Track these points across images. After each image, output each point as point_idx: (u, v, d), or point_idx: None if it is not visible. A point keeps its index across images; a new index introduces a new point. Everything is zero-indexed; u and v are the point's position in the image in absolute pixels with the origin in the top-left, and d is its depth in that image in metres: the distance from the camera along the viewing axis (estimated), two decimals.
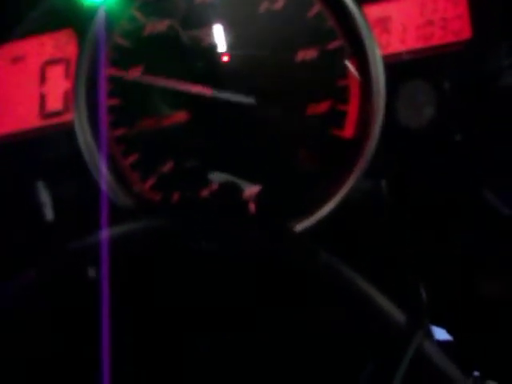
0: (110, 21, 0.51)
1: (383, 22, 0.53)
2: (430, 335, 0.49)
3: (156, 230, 0.40)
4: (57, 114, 0.51)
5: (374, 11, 0.53)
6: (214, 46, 0.52)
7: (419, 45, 0.54)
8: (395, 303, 0.41)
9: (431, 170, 0.58)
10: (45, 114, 0.51)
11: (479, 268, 0.58)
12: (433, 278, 0.59)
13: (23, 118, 0.51)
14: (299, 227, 0.52)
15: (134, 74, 0.51)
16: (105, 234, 0.38)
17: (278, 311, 0.37)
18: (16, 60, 0.51)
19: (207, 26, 0.52)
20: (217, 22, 0.52)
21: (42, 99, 0.51)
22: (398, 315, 0.39)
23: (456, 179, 0.58)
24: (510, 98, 0.56)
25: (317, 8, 0.53)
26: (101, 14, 0.51)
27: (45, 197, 0.51)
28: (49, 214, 0.51)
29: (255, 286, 0.38)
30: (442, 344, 0.55)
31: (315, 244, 0.49)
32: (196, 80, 0.52)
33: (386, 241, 0.57)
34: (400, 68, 0.54)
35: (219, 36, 0.52)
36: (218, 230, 0.41)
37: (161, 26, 0.51)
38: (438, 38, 0.54)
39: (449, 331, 0.59)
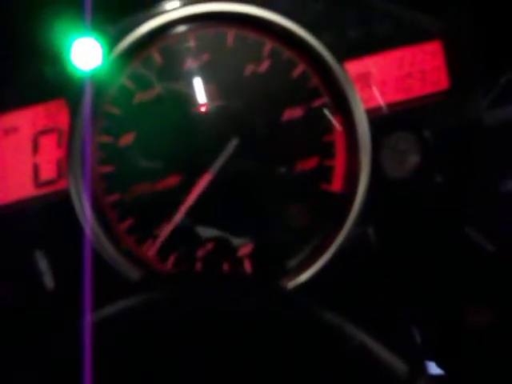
0: (100, 89, 0.52)
1: (364, 77, 0.55)
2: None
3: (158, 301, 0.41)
4: (51, 182, 0.52)
5: (354, 67, 0.55)
6: (202, 112, 0.53)
7: (399, 97, 0.56)
8: (389, 347, 0.42)
9: (416, 212, 0.60)
10: (39, 183, 0.52)
11: (466, 301, 0.60)
12: (421, 314, 0.61)
13: (18, 187, 0.52)
14: (295, 282, 0.53)
15: (126, 141, 0.52)
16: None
17: (276, 368, 0.38)
18: (9, 131, 0.52)
19: (195, 92, 0.53)
20: (204, 87, 0.53)
21: (36, 168, 0.52)
22: (398, 364, 0.40)
23: (440, 219, 0.60)
24: (489, 139, 0.59)
25: (301, 68, 0.54)
26: (91, 83, 0.52)
27: (44, 265, 0.52)
28: (49, 282, 0.51)
29: (251, 345, 0.39)
30: (435, 379, 0.57)
31: (310, 298, 0.50)
32: (186, 145, 0.53)
33: (376, 286, 0.58)
34: (382, 121, 0.56)
35: (207, 101, 0.53)
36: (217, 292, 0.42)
37: (150, 93, 0.52)
38: (417, 89, 0.56)
39: (439, 365, 0.60)
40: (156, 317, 0.40)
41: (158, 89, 0.53)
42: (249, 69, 0.54)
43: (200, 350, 0.38)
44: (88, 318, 0.37)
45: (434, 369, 0.59)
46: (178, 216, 0.53)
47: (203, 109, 0.53)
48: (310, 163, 0.55)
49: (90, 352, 0.34)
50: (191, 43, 0.53)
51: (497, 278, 0.57)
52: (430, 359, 0.60)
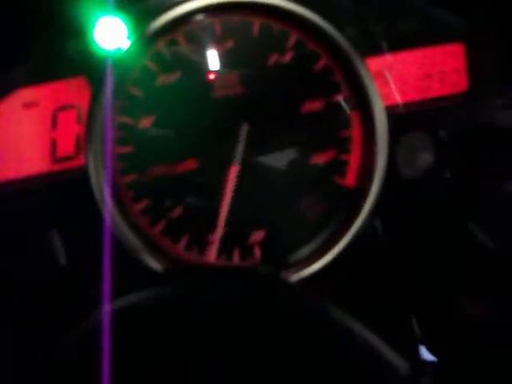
0: (123, 70, 0.52)
1: (383, 74, 0.55)
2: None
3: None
4: (68, 158, 0.53)
5: (375, 63, 0.55)
6: (224, 97, 0.53)
7: (418, 96, 0.56)
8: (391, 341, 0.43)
9: (423, 208, 0.61)
10: (56, 159, 0.52)
11: (463, 293, 0.61)
12: (418, 302, 0.62)
13: (35, 162, 0.52)
14: (303, 274, 0.54)
15: (146, 123, 0.53)
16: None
17: (276, 362, 0.39)
18: (28, 105, 0.52)
19: (216, 77, 0.53)
20: (226, 73, 0.53)
21: (54, 144, 0.52)
22: (401, 364, 0.42)
23: (444, 215, 0.61)
24: (499, 138, 0.59)
25: (323, 62, 0.55)
26: (113, 63, 0.52)
27: (57, 242, 0.52)
28: (62, 259, 0.52)
29: (254, 337, 0.39)
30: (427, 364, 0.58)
31: (316, 291, 0.51)
32: (205, 130, 0.53)
33: (382, 278, 0.59)
34: (399, 119, 0.56)
35: (229, 87, 0.53)
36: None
37: (173, 76, 0.53)
38: (436, 90, 0.57)
39: (432, 351, 0.61)
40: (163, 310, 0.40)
41: (180, 72, 0.53)
42: (272, 59, 0.54)
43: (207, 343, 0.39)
44: (107, 303, 0.38)
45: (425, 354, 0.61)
46: (193, 201, 0.54)
47: (223, 94, 0.53)
48: (326, 156, 0.55)
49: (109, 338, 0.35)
50: (216, 29, 0.53)
51: (495, 274, 0.58)
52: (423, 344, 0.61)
